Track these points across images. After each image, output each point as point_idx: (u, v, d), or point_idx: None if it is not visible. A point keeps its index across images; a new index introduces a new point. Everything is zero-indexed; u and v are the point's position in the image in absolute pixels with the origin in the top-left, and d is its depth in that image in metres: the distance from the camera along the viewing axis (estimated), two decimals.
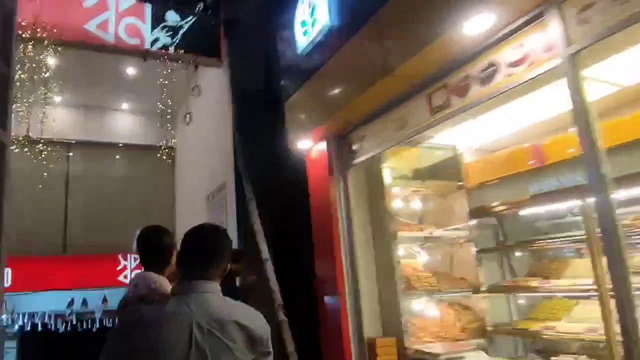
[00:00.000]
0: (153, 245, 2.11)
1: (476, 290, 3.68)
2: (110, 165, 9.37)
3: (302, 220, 4.09)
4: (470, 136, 3.72)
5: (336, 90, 3.42)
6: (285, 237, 4.48)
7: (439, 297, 3.73)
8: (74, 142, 8.98)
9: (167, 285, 1.97)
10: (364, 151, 3.55)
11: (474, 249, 3.76)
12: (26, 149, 7.11)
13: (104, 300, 10.52)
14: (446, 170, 3.94)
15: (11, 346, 13.09)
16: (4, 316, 11.06)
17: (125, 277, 7.48)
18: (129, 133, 9.26)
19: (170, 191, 9.43)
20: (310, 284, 3.89)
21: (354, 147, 3.62)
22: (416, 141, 3.61)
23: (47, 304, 11.53)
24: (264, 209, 4.59)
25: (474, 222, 3.71)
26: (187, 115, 5.70)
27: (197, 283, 1.58)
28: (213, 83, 6.04)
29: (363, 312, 3.56)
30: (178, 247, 1.78)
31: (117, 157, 9.42)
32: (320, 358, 3.69)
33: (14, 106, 5.83)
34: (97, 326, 12.21)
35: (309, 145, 3.92)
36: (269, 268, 4.28)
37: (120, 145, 9.33)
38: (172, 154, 7.21)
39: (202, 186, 6.83)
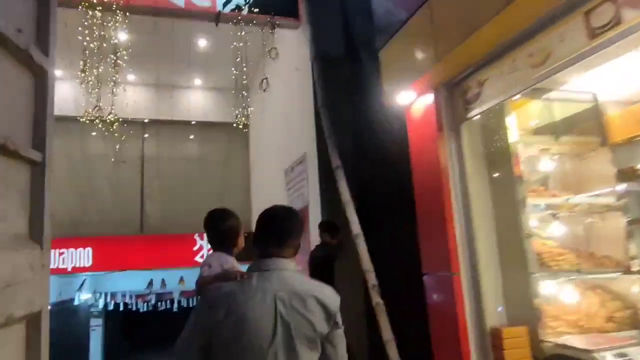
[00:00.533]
0: (220, 228, 2.19)
1: (627, 270, 2.95)
2: (184, 144, 9.30)
3: (401, 188, 3.51)
4: (614, 82, 2.95)
5: (450, 24, 2.77)
6: (379, 209, 3.93)
7: (578, 278, 3.02)
8: (147, 121, 8.99)
9: (237, 265, 2.07)
10: (483, 100, 2.88)
11: (622, 220, 3.02)
12: (101, 126, 7.11)
13: (181, 280, 10.69)
14: (584, 124, 3.19)
15: (97, 324, 13.79)
16: (89, 295, 11.66)
17: (202, 257, 7.33)
18: (202, 110, 9.10)
19: (245, 167, 9.22)
20: (411, 262, 3.32)
21: (470, 95, 2.96)
22: (548, 88, 2.91)
23: (128, 284, 11.94)
24: (353, 178, 4.07)
25: (621, 186, 2.96)
26: (264, 81, 5.29)
27: (275, 261, 1.64)
28: (290, 47, 5.59)
29: (483, 295, 2.93)
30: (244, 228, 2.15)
31: (191, 135, 9.35)
32: (427, 348, 3.12)
33: (89, 86, 5.92)
34: (176, 306, 12.53)
35: (409, 99, 3.31)
36: (361, 244, 3.75)
37: (193, 123, 9.22)
38: (246, 130, 6.88)
39: (279, 159, 6.45)
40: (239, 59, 5.25)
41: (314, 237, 4.92)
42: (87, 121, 5.83)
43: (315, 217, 4.91)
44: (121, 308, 12.49)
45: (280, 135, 6.53)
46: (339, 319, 1.66)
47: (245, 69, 5.51)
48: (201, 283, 1.99)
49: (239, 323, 1.52)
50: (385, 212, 3.87)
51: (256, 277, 1.62)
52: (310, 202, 5.15)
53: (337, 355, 1.67)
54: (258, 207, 8.26)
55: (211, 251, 2.29)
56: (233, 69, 5.55)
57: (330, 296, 1.66)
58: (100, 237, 8.31)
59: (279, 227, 1.73)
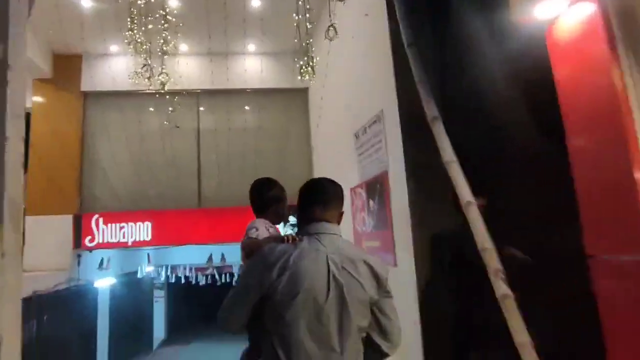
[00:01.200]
0: (264, 196, 2.29)
1: None
2: (239, 114, 8.72)
3: (531, 139, 2.59)
4: None
5: None
6: (499, 169, 3.01)
7: None
8: (201, 91, 8.48)
9: (279, 231, 2.25)
10: None
11: None
12: (157, 96, 6.71)
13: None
14: None
15: (160, 295, 14.06)
16: (151, 268, 11.71)
17: None
18: (258, 77, 8.39)
19: (305, 136, 8.49)
20: (557, 243, 2.41)
21: None
22: None
23: (188, 257, 11.87)
24: (459, 133, 3.16)
25: None
26: (330, 29, 4.42)
27: (323, 224, 1.71)
28: None
29: None
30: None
31: (247, 105, 8.75)
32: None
33: (140, 54, 5.51)
34: (236, 279, 12.39)
35: (554, 11, 2.33)
36: (473, 213, 2.87)
37: (249, 90, 8.58)
38: (310, 83, 6.10)
39: (347, 122, 5.63)
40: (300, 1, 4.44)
41: (396, 207, 4.12)
42: (136, 81, 5.33)
43: (398, 183, 4.09)
44: (182, 281, 12.53)
45: (349, 94, 5.67)
46: (389, 288, 1.71)
47: (308, 14, 4.69)
48: (250, 245, 2.00)
49: (295, 280, 1.55)
50: (507, 172, 2.94)
51: (307, 239, 1.68)
52: (391, 166, 4.32)
53: (393, 326, 1.70)
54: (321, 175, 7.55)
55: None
56: (295, 15, 4.74)
57: (380, 263, 1.72)
58: (159, 210, 8.02)
59: (323, 191, 1.81)
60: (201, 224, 7.87)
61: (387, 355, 1.71)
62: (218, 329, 1.75)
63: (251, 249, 1.90)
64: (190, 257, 11.81)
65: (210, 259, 10.88)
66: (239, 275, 2.18)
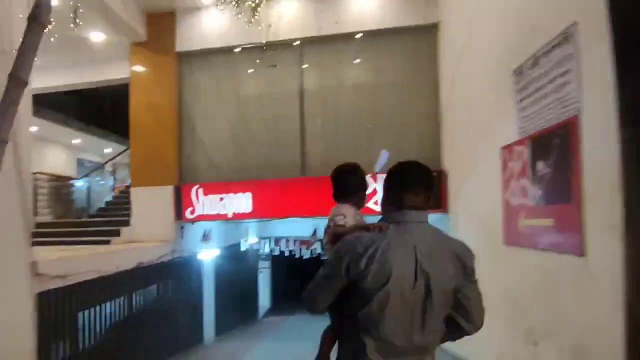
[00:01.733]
0: (348, 182, 2.18)
1: None
2: (350, 65, 7.36)
3: None
4: None
5: None
6: None
7: None
8: (303, 40, 7.27)
9: (363, 219, 2.09)
10: None
11: None
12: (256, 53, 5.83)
13: None
14: None
15: (265, 266, 13.96)
16: (255, 240, 11.39)
17: (376, 203, 5.58)
18: (374, 17, 6.89)
19: (431, 87, 6.88)
20: None
21: None
22: None
23: (293, 229, 11.33)
24: None
25: None
26: None
27: (415, 213, 1.68)
28: None
29: None
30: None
31: (359, 53, 7.25)
32: None
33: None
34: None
35: None
36: None
37: (362, 35, 7.07)
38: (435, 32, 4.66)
39: (500, 57, 4.14)
40: None
41: (591, 171, 2.73)
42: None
43: (598, 135, 2.73)
44: (286, 253, 12.13)
45: (509, 13, 4.08)
46: (475, 274, 1.70)
47: None
48: (336, 232, 1.95)
49: (383, 270, 1.58)
50: None
51: (395, 228, 1.66)
52: (586, 109, 2.88)
53: (476, 309, 1.70)
54: (453, 137, 6.08)
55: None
56: None
57: (466, 249, 1.72)
58: (259, 180, 7.29)
59: (417, 177, 1.73)
60: (305, 194, 6.94)
61: (468, 333, 1.75)
62: None
63: (338, 236, 1.86)
64: (295, 230, 11.21)
65: (314, 233, 10.16)
66: (325, 261, 1.76)
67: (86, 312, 5.30)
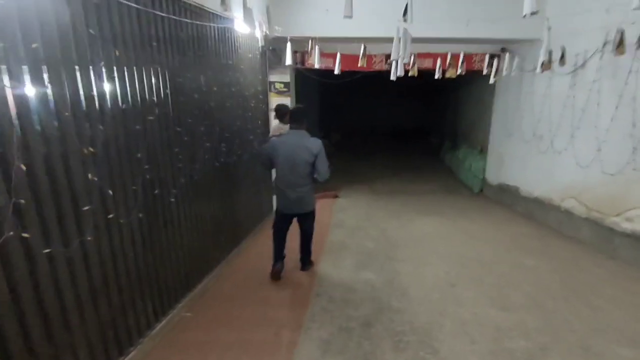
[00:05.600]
0: (278, 113, 6.04)
1: None
2: None
3: None
4: None
5: None
6: None
7: None
8: None
9: (287, 128, 4.48)
10: None
11: None
12: None
13: None
14: None
15: None
16: None
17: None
18: None
19: None
20: None
21: None
22: None
23: None
24: None
25: None
26: None
27: (293, 128, 4.20)
28: None
29: None
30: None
31: None
32: None
33: None
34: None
35: None
36: None
37: None
38: None
39: None
40: None
41: None
42: None
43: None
44: None
45: None
46: (320, 154, 4.07)
47: None
48: (270, 136, 5.63)
49: (279, 151, 4.14)
50: None
51: (287, 134, 4.24)
52: None
53: (321, 169, 4.07)
54: None
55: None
56: None
57: (314, 144, 4.08)
58: None
59: (297, 112, 4.23)
60: None
61: (320, 179, 4.13)
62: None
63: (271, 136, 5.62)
64: None
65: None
66: (263, 147, 4.41)
67: None
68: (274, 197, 4.71)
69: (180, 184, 3.73)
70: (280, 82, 7.46)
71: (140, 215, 3.09)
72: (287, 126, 4.62)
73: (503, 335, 3.43)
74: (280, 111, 5.91)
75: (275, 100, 7.46)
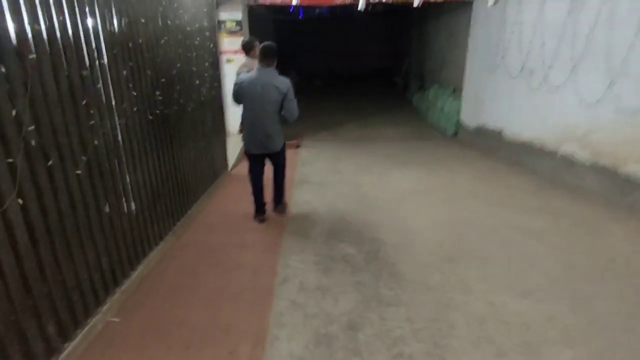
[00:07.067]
0: (245, 48, 5.52)
1: None
2: None
3: None
4: None
5: None
6: None
7: None
8: None
9: (255, 64, 4.14)
10: None
11: None
12: None
13: None
14: None
15: None
16: None
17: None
18: None
19: None
20: None
21: None
22: None
23: None
24: None
25: None
26: None
27: (263, 66, 3.93)
28: None
29: None
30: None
31: None
32: None
33: None
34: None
35: None
36: None
37: None
38: None
39: None
40: None
41: None
42: None
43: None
44: None
45: None
46: (289, 93, 3.94)
47: None
48: (238, 72, 5.33)
49: (247, 88, 3.94)
50: None
51: (257, 71, 3.95)
52: None
53: (291, 106, 3.97)
54: None
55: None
56: None
57: (282, 84, 3.91)
58: None
59: (268, 51, 3.91)
60: None
61: (288, 119, 4.05)
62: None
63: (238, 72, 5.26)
64: None
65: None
66: (235, 84, 4.11)
67: None
68: (241, 137, 4.45)
69: (92, 148, 2.57)
70: (232, 21, 6.79)
71: (21, 202, 1.97)
72: (255, 61, 4.45)
73: (539, 340, 2.53)
74: (247, 45, 5.51)
75: (226, 43, 7.01)
